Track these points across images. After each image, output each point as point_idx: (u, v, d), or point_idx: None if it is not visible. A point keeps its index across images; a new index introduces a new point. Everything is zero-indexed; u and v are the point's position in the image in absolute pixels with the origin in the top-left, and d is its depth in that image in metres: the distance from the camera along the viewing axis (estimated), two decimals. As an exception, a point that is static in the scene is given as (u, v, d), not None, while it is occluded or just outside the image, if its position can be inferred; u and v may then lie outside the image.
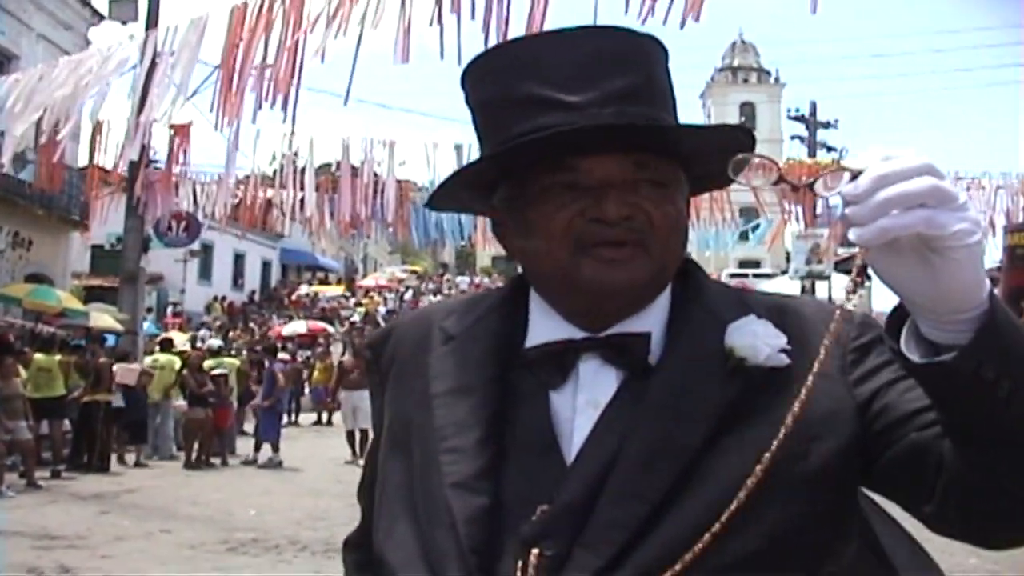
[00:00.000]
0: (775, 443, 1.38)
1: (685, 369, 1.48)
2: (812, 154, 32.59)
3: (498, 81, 1.58)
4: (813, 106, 37.30)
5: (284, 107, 8.79)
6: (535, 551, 1.41)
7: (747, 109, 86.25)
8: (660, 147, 1.52)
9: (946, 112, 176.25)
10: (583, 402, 1.51)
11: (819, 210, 20.45)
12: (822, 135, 36.76)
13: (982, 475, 1.31)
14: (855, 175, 1.20)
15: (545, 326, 1.58)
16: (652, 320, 1.56)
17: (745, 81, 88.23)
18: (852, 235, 1.19)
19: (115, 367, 18.28)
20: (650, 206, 1.49)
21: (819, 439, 1.44)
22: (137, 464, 18.05)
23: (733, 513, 1.36)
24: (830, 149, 34.86)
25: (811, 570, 1.43)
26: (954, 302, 1.22)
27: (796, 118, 38.15)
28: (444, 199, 1.72)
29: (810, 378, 1.38)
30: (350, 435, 19.07)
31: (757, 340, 1.48)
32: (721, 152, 1.47)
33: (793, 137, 38.56)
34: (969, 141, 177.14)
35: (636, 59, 1.55)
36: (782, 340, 1.49)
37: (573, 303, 1.55)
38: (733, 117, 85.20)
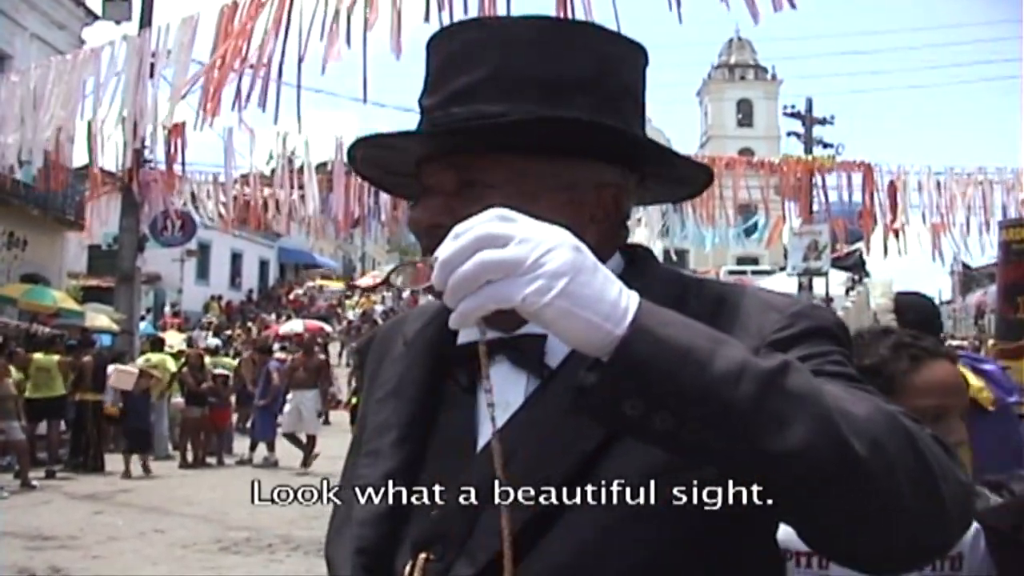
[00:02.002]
0: (663, 451, 1.27)
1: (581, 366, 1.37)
2: (808, 150, 32.50)
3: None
4: (809, 102, 37.21)
5: (263, 105, 8.77)
6: (423, 555, 1.38)
7: (744, 106, 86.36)
8: (487, 147, 1.44)
9: (943, 107, 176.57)
10: (495, 403, 1.42)
11: (816, 207, 20.44)
12: (819, 131, 36.67)
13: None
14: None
15: (468, 327, 1.48)
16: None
17: (742, 78, 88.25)
18: (450, 322, 1.18)
19: (109, 369, 18.00)
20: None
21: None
22: (144, 470, 17.02)
23: (616, 525, 1.31)
24: (827, 145, 34.77)
25: None
26: (585, 348, 1.17)
27: (793, 114, 38.07)
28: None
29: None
30: (292, 439, 18.17)
31: None
32: (569, 145, 1.45)
33: (790, 134, 38.40)
34: (966, 136, 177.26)
35: (489, 50, 1.46)
36: None
37: None
38: (730, 114, 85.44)
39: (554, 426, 1.37)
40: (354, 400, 22.01)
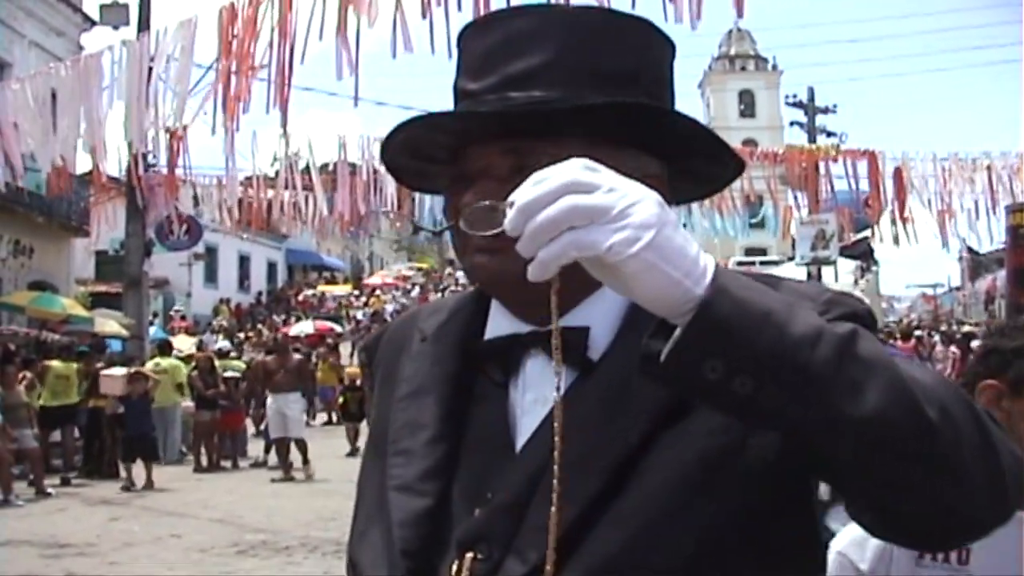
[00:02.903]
0: (711, 439, 1.31)
1: (627, 363, 1.34)
2: (812, 140, 32.47)
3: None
4: (811, 92, 37.19)
5: (279, 107, 8.76)
6: (469, 555, 1.36)
7: (746, 97, 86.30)
8: (543, 132, 1.42)
9: (944, 92, 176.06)
10: (531, 400, 1.44)
11: (824, 195, 20.40)
12: (821, 120, 36.65)
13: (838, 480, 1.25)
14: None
15: (498, 321, 1.52)
16: (601, 311, 1.45)
17: (743, 69, 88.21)
18: (528, 273, 1.13)
19: (101, 376, 17.62)
20: None
21: (758, 432, 1.33)
22: (147, 483, 16.04)
23: (665, 516, 1.30)
24: (830, 134, 34.71)
25: (749, 569, 1.33)
26: (660, 307, 1.15)
27: (795, 104, 38.03)
28: (426, 187, 1.71)
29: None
30: (279, 445, 17.49)
31: None
32: (630, 126, 1.44)
33: (792, 123, 38.40)
34: (969, 121, 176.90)
35: (549, 36, 1.46)
36: None
37: (490, 296, 1.54)
38: (732, 105, 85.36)
39: (598, 420, 1.35)
40: (341, 400, 21.87)
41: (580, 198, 1.11)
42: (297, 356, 19.67)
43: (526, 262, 1.25)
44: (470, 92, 1.48)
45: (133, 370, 17.68)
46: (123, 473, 16.32)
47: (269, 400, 17.92)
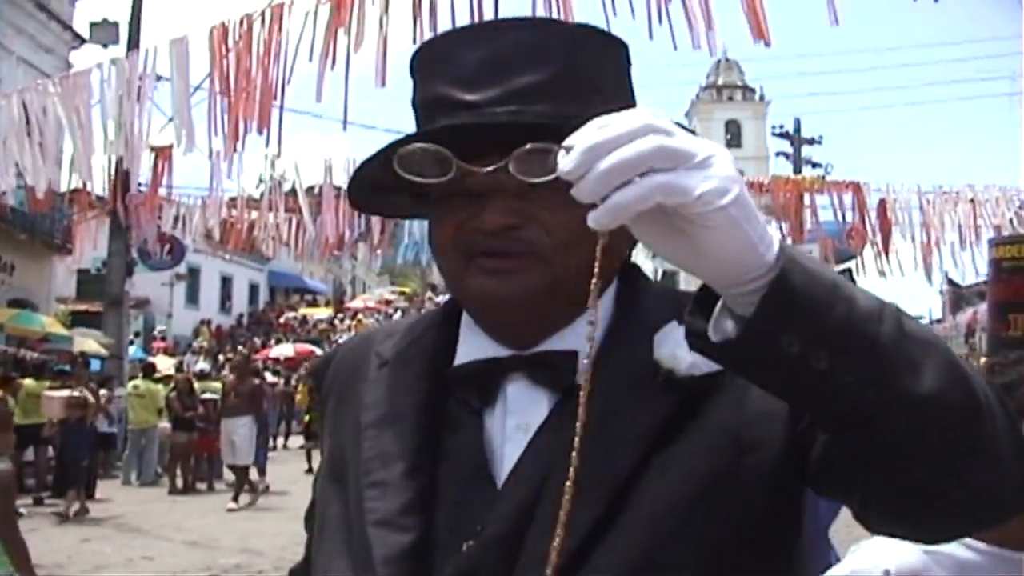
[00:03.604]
0: (707, 460, 1.29)
1: (615, 388, 1.34)
2: (797, 170, 32.64)
3: (418, 82, 1.49)
4: (797, 123, 37.42)
5: (263, 131, 8.72)
6: None
7: (732, 127, 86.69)
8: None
9: (930, 125, 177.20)
10: (512, 426, 1.40)
11: (808, 226, 20.45)
12: (807, 151, 36.89)
13: (867, 467, 1.18)
14: (569, 150, 1.03)
15: (472, 344, 1.48)
16: (581, 337, 1.35)
17: (730, 99, 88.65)
18: (589, 220, 1.02)
19: (43, 396, 16.98)
20: (545, 213, 1.35)
21: (751, 450, 1.31)
22: (81, 510, 15.24)
23: (665, 541, 1.28)
24: (815, 165, 34.96)
25: None
26: (730, 273, 1.07)
27: (781, 135, 38.27)
28: (375, 206, 1.66)
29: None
30: (232, 470, 17.31)
31: (681, 348, 1.30)
32: None
33: (778, 154, 38.68)
34: (954, 154, 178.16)
35: (553, 51, 1.41)
36: None
37: (481, 319, 1.46)
38: (719, 135, 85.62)
39: (589, 449, 1.27)
40: (307, 419, 21.77)
41: (665, 139, 1.01)
42: (255, 380, 18.73)
43: (544, 284, 1.32)
44: (469, 103, 1.39)
45: (72, 394, 16.79)
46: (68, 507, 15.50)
47: (222, 423, 17.60)
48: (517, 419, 1.41)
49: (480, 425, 1.42)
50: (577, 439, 1.21)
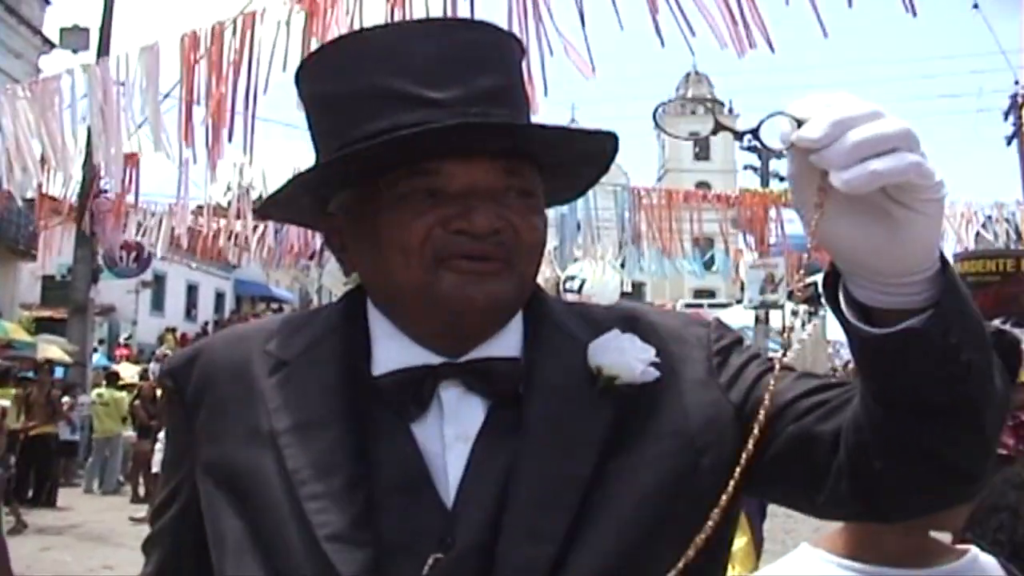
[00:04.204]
0: (666, 463, 1.33)
1: (555, 395, 1.37)
2: (765, 184, 32.79)
3: (347, 73, 1.42)
4: (766, 137, 37.62)
5: (232, 139, 8.68)
6: None
7: (701, 140, 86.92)
8: (528, 153, 1.40)
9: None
10: (452, 435, 1.37)
11: (773, 239, 20.55)
12: (775, 165, 37.01)
13: (913, 446, 1.23)
14: (799, 122, 1.09)
15: (393, 350, 1.44)
16: (510, 343, 1.43)
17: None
18: (838, 180, 1.07)
19: None
20: (517, 218, 1.38)
21: (706, 452, 1.37)
22: (17, 526, 14.23)
23: (638, 544, 1.30)
24: (782, 179, 35.13)
25: (707, 571, 1.38)
26: (912, 262, 1.14)
27: (749, 148, 38.45)
28: (280, 207, 1.56)
29: (676, 387, 1.38)
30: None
31: (627, 356, 1.38)
32: (582, 160, 1.44)
33: (746, 167, 38.90)
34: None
35: (500, 57, 1.44)
36: (651, 353, 1.39)
37: (429, 323, 1.41)
38: (687, 148, 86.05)
39: (547, 457, 1.33)
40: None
41: (905, 123, 1.08)
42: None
43: (513, 291, 1.35)
44: (433, 100, 1.37)
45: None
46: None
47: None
48: (455, 428, 1.39)
49: (411, 433, 1.39)
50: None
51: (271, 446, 1.39)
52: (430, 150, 1.36)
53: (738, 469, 1.29)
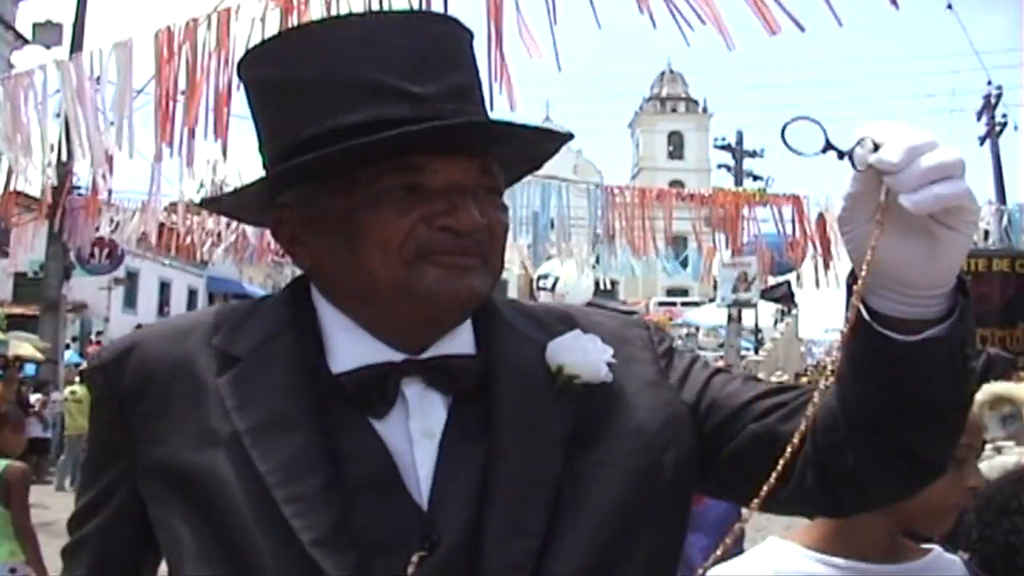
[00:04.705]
0: (632, 461, 1.37)
1: (520, 393, 1.39)
2: (739, 183, 32.91)
3: (317, 60, 1.39)
4: (740, 135, 37.73)
5: (208, 136, 8.66)
6: None
7: (675, 138, 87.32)
8: (498, 151, 1.43)
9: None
10: (417, 432, 1.37)
11: (746, 238, 20.62)
12: (749, 164, 37.18)
13: (892, 443, 1.31)
14: (876, 146, 1.20)
15: (351, 346, 1.41)
16: (464, 340, 1.44)
17: (673, 110, 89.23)
18: (908, 201, 1.17)
19: None
20: (491, 215, 1.39)
21: (666, 450, 1.41)
22: None
23: (612, 540, 1.34)
24: (756, 178, 35.26)
25: (670, 560, 1.45)
26: (943, 276, 1.24)
27: (723, 147, 38.56)
28: (227, 202, 1.58)
29: (631, 386, 1.44)
30: None
31: (591, 357, 1.41)
32: (531, 159, 1.49)
33: (720, 166, 39.03)
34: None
35: (466, 53, 1.47)
36: (609, 353, 1.43)
37: (401, 318, 1.39)
38: (661, 146, 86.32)
39: (518, 454, 1.35)
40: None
41: (959, 152, 1.18)
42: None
43: (487, 286, 1.37)
44: (416, 95, 1.37)
45: None
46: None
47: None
48: (420, 424, 1.38)
49: (375, 430, 1.37)
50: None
51: (231, 447, 1.35)
52: (417, 146, 1.35)
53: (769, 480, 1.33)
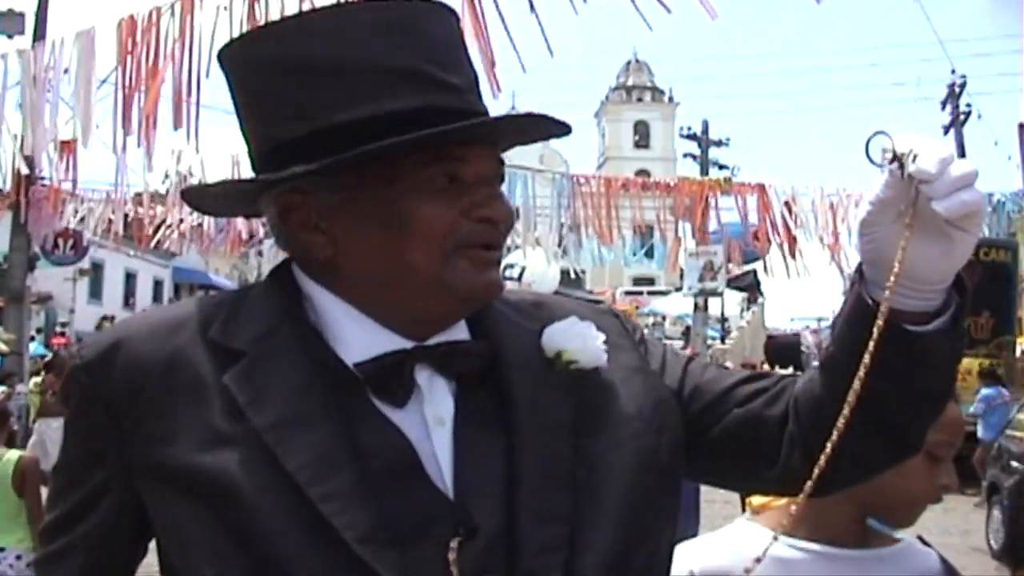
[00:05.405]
0: (637, 443, 1.42)
1: (527, 378, 1.42)
2: (704, 172, 32.99)
3: (349, 43, 1.36)
4: (705, 125, 37.81)
5: (183, 125, 8.60)
6: None
7: (641, 128, 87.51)
8: (511, 142, 1.48)
9: (836, 129, 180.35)
10: (432, 418, 1.37)
11: (712, 227, 20.69)
12: (714, 153, 37.29)
13: (881, 424, 1.40)
14: (895, 155, 1.31)
15: (363, 336, 1.39)
16: (461, 327, 1.45)
17: (639, 100, 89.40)
18: (940, 207, 1.27)
19: None
20: (508, 205, 1.43)
21: (663, 432, 1.46)
22: None
23: (633, 520, 1.38)
24: (722, 167, 35.35)
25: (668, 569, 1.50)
26: (951, 272, 1.36)
27: (689, 136, 38.64)
28: (212, 195, 1.58)
29: (622, 372, 1.48)
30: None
31: (590, 343, 1.44)
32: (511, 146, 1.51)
33: (686, 155, 39.06)
34: (860, 158, 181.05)
35: (464, 49, 1.47)
36: (602, 339, 1.46)
37: (422, 309, 1.39)
38: (627, 136, 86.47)
39: (536, 438, 1.38)
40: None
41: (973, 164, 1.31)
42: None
43: (500, 275, 1.42)
44: (452, 86, 1.38)
45: None
46: None
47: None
48: (433, 411, 1.38)
49: (390, 419, 1.36)
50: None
51: (247, 445, 1.30)
52: (462, 137, 1.35)
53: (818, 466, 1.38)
